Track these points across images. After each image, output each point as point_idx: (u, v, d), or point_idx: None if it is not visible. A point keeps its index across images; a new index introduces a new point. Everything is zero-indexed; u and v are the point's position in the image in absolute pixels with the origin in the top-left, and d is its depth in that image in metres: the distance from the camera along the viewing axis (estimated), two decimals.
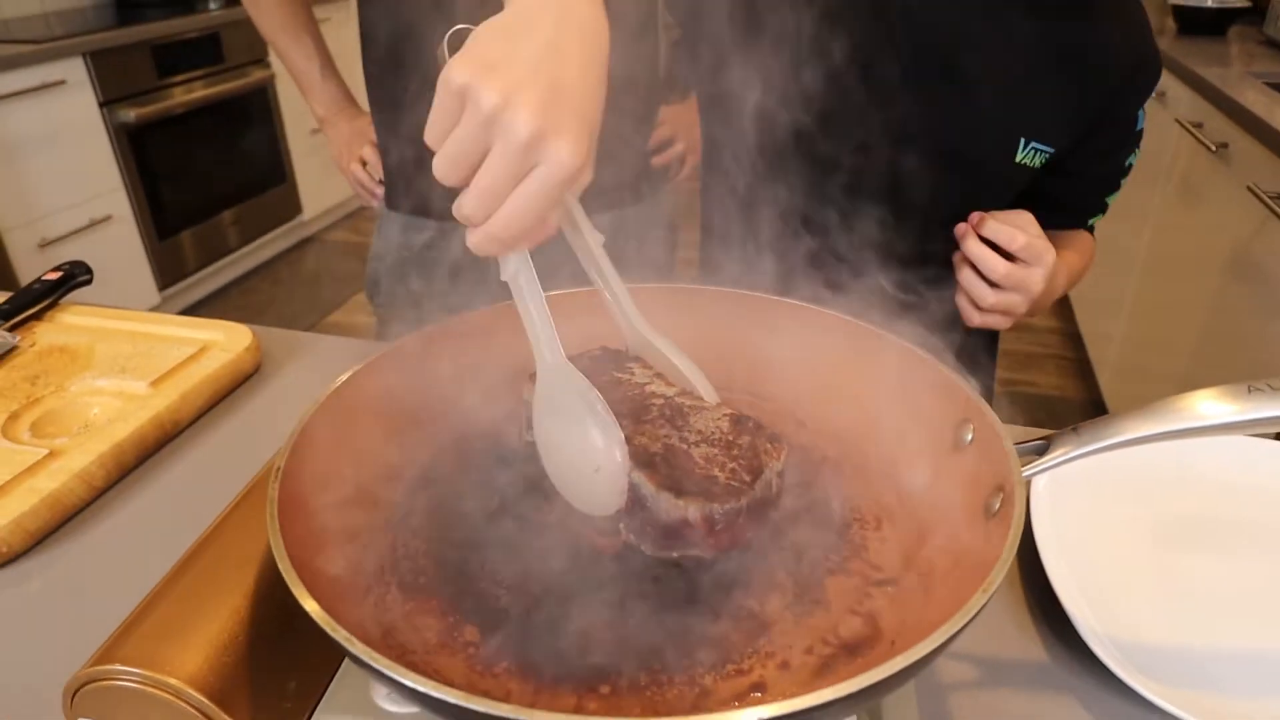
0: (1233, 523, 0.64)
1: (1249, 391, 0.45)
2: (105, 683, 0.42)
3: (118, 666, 0.41)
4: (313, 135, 3.45)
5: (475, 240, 0.42)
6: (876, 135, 0.83)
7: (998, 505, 0.45)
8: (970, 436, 0.51)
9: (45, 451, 0.68)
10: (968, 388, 0.52)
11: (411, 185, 1.10)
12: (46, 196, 2.48)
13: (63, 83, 2.45)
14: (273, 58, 3.19)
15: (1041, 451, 0.47)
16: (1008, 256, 0.77)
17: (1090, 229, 0.96)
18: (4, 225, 2.36)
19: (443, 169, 0.42)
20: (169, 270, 2.92)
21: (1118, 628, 0.55)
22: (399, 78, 1.04)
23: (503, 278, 0.46)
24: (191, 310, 3.04)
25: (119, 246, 2.71)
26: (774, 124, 0.81)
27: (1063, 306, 2.99)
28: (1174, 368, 1.99)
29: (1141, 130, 0.89)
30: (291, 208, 3.48)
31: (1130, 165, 0.91)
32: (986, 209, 0.80)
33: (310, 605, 0.37)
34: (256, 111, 3.19)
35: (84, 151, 2.57)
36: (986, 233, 0.76)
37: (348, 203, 3.90)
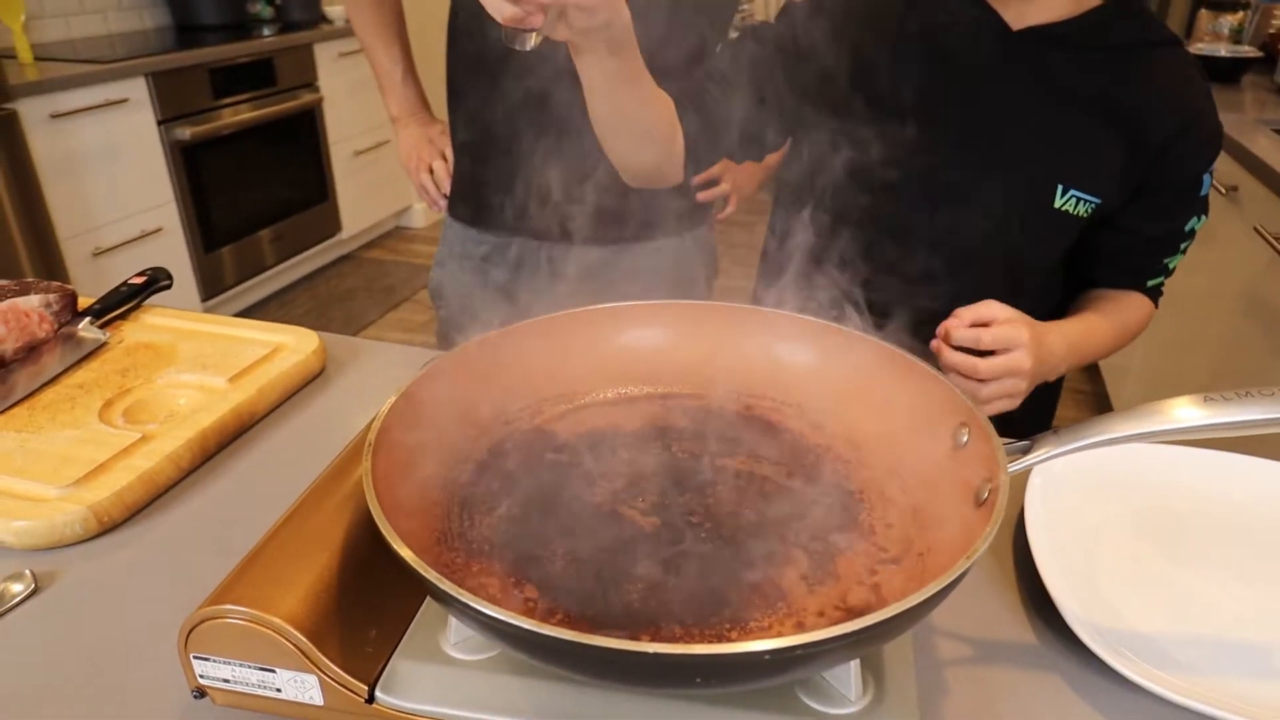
0: (1208, 526, 0.71)
1: (1205, 401, 0.52)
2: (218, 620, 0.49)
3: (229, 606, 0.49)
4: (356, 157, 3.59)
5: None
6: (921, 176, 0.88)
7: (986, 494, 0.51)
8: (966, 438, 0.57)
9: (138, 435, 0.76)
10: (965, 397, 0.59)
11: (475, 199, 1.18)
12: (102, 208, 2.60)
13: (125, 101, 2.58)
14: (321, 81, 3.33)
15: (1026, 451, 0.54)
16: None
17: (1153, 292, 0.96)
18: (62, 234, 2.48)
19: None
20: (212, 282, 3.04)
21: (1100, 614, 0.61)
22: (479, 92, 1.11)
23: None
24: None
25: (167, 258, 2.82)
26: (835, 169, 0.87)
27: None
28: None
29: (1206, 196, 0.90)
30: (331, 225, 3.60)
31: (1193, 230, 0.91)
32: (1029, 256, 0.84)
33: (405, 552, 0.44)
34: (303, 132, 3.32)
35: (140, 166, 2.70)
36: (956, 342, 0.79)
37: (385, 222, 4.03)
